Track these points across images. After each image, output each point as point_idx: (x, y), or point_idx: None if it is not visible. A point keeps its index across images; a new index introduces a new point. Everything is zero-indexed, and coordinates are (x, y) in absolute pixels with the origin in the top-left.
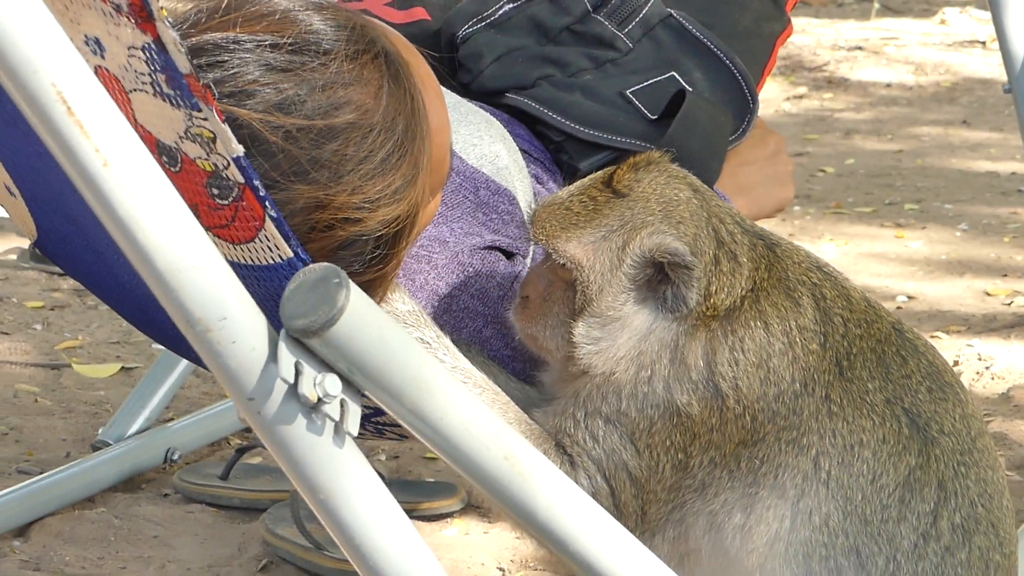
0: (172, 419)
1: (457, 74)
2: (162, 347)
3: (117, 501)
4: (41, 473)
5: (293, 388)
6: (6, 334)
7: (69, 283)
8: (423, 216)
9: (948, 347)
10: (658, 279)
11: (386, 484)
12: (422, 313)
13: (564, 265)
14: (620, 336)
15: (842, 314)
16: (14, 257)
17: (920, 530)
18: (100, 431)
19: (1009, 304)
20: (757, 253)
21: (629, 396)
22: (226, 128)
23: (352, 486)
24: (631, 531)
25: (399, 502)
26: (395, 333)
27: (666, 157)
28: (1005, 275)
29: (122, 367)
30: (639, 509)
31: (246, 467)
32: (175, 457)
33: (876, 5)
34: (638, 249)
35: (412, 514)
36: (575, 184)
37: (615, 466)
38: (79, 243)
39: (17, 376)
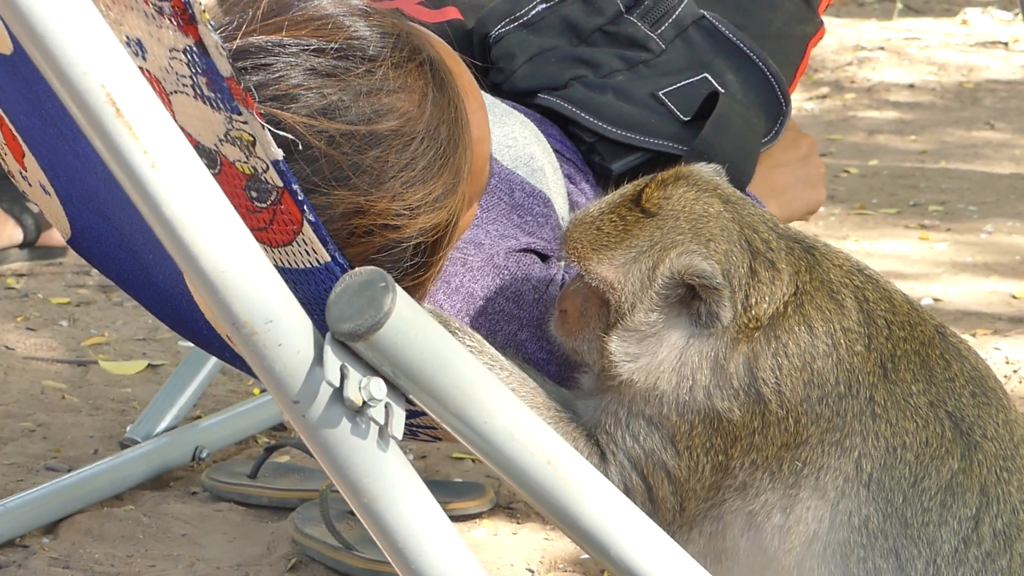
0: (200, 417)
1: (489, 74)
2: (189, 344)
3: (145, 499)
4: (69, 470)
5: (338, 391)
6: (32, 330)
7: (95, 279)
8: (461, 224)
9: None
10: (691, 296)
11: None
12: (457, 320)
13: (597, 286)
14: (660, 351)
15: (886, 316)
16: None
17: (961, 535)
18: (128, 428)
19: None
20: (796, 256)
21: (671, 403)
22: (266, 132)
23: (396, 490)
24: (668, 524)
25: None
26: (440, 337)
27: (695, 168)
28: None
29: (148, 364)
30: (677, 505)
31: (275, 465)
32: (203, 455)
33: (899, 5)
34: (668, 271)
35: None
36: (606, 199)
37: (654, 465)
38: (113, 242)
39: (44, 372)
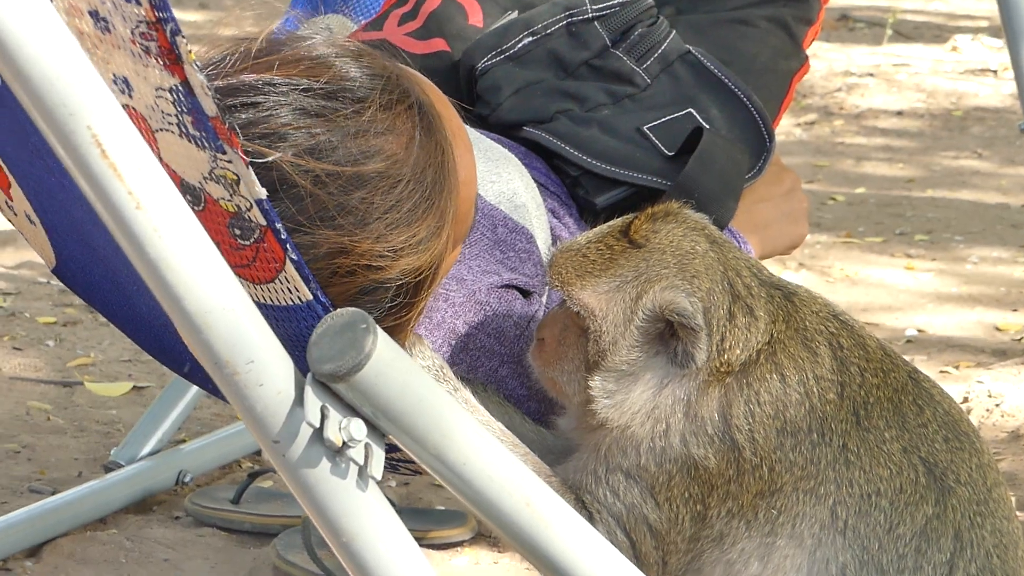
0: (184, 441)
1: (475, 106)
2: None
3: (129, 523)
4: (53, 493)
5: (319, 432)
6: (19, 350)
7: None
8: (444, 266)
9: (958, 383)
10: (670, 332)
11: (396, 512)
12: (444, 365)
13: (579, 313)
14: (634, 390)
15: (859, 363)
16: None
17: None
18: (112, 452)
19: (1020, 340)
20: (775, 305)
21: (648, 451)
22: (250, 171)
23: (375, 530)
24: None
25: (409, 530)
26: (420, 379)
27: (685, 207)
28: (1015, 309)
29: (134, 386)
30: (660, 560)
31: (258, 491)
32: (187, 479)
33: (888, 31)
34: (650, 304)
35: (422, 542)
36: (593, 231)
37: (635, 520)
38: (97, 272)
39: (29, 393)
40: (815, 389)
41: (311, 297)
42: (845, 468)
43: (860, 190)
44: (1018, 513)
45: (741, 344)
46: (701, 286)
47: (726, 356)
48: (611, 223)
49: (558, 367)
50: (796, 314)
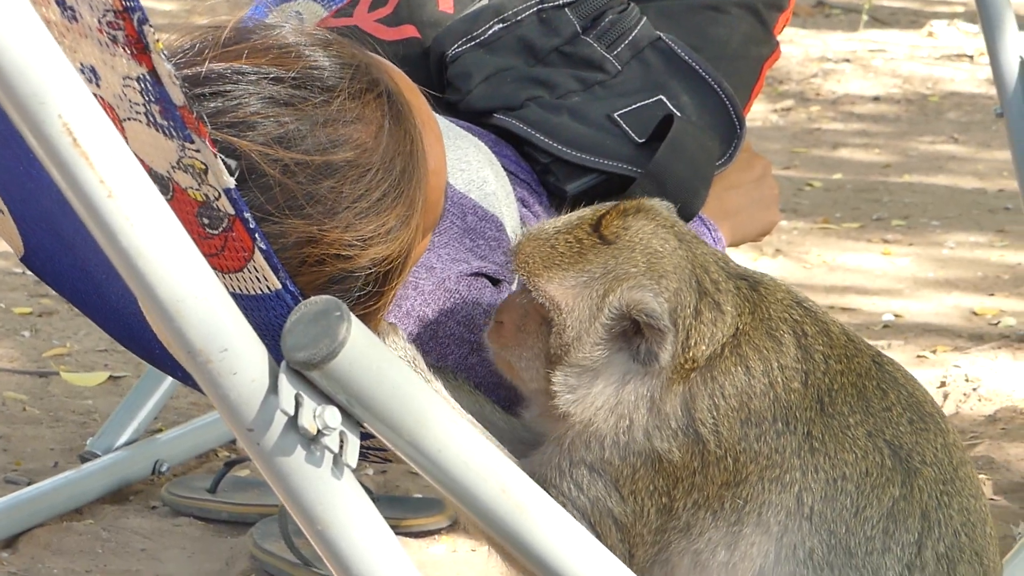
0: (160, 430)
1: (445, 93)
2: None
3: (105, 513)
4: (29, 483)
5: (293, 420)
6: None
7: None
8: (414, 256)
9: (935, 367)
10: (634, 330)
11: (373, 500)
12: (417, 355)
13: (543, 304)
14: (596, 385)
15: (823, 350)
16: (1, 262)
17: (905, 561)
18: (88, 442)
19: (996, 324)
20: (741, 297)
21: (611, 445)
22: (218, 160)
23: (350, 518)
24: None
25: (387, 518)
26: (394, 366)
27: (655, 203)
28: (992, 294)
29: (110, 376)
30: (626, 552)
31: (234, 480)
32: (163, 469)
33: (865, 17)
34: (617, 302)
35: (399, 530)
36: (562, 219)
37: (600, 513)
38: (66, 261)
39: (5, 384)
40: (779, 379)
41: (280, 286)
42: (810, 455)
43: (837, 176)
44: (997, 496)
45: (707, 340)
46: (669, 286)
47: (691, 353)
48: (581, 213)
49: (516, 352)
50: (761, 304)
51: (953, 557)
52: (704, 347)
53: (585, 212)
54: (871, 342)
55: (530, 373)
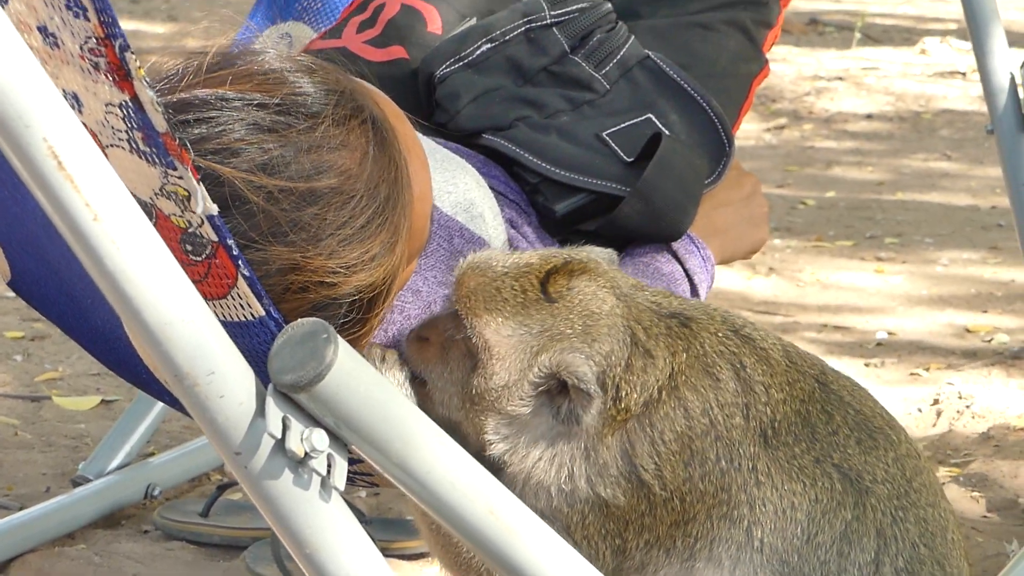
0: (153, 454)
1: (434, 114)
2: None
3: (97, 538)
4: (21, 508)
5: (280, 443)
6: None
7: None
8: (399, 282)
9: (929, 385)
10: (558, 390)
11: (366, 522)
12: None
13: (475, 343)
14: (526, 436)
15: (763, 380)
16: None
17: None
18: (80, 466)
19: (989, 341)
20: (673, 336)
21: (557, 494)
22: (200, 187)
23: (338, 541)
24: None
25: (379, 540)
26: (381, 388)
27: (601, 259)
28: (985, 311)
29: (102, 400)
30: None
31: (227, 504)
32: (156, 493)
33: (857, 35)
34: (548, 361)
35: (391, 552)
36: (511, 259)
37: None
38: (53, 285)
39: None
40: (720, 417)
41: (264, 313)
42: (756, 489)
43: (830, 194)
44: (990, 514)
45: (638, 389)
46: (601, 349)
47: (623, 404)
48: (529, 260)
49: (434, 371)
50: (695, 340)
51: (914, 570)
52: (636, 396)
53: (533, 260)
54: (864, 360)
55: (442, 397)
